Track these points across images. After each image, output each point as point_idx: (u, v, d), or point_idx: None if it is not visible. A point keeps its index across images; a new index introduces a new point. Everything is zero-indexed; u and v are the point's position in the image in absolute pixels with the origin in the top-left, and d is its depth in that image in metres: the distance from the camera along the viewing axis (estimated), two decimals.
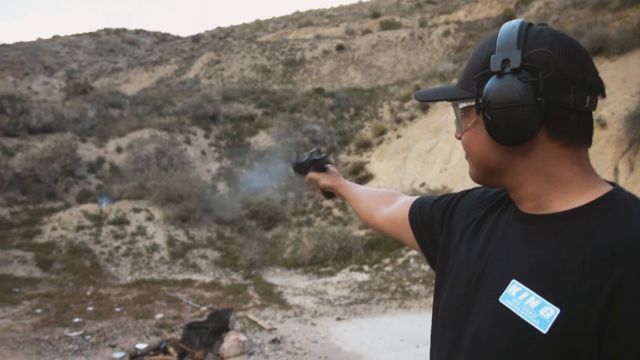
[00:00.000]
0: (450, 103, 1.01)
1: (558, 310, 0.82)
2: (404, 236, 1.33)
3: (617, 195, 0.89)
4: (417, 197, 1.36)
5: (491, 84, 0.88)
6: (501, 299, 0.90)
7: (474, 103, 0.93)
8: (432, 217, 1.22)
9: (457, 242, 1.10)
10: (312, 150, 1.65)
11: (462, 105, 0.96)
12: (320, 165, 1.62)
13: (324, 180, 1.63)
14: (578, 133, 0.90)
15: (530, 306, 0.85)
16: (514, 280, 0.90)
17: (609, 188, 0.91)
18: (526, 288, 0.88)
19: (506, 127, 0.88)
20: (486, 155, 0.95)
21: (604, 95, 0.92)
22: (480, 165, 0.97)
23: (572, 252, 0.84)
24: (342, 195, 1.61)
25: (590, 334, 0.79)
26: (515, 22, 0.92)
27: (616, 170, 9.07)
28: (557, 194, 0.91)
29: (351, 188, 1.59)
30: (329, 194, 1.65)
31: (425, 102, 1.03)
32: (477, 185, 1.12)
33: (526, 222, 0.94)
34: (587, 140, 0.92)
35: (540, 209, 0.93)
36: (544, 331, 0.82)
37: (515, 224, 0.97)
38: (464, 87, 0.96)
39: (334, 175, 1.64)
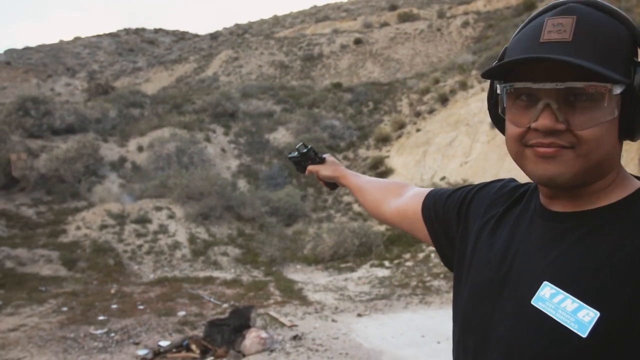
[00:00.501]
0: (612, 93, 0.82)
1: (598, 314, 0.78)
2: (416, 230, 1.27)
3: None
4: (428, 189, 1.30)
5: None
6: (533, 302, 0.86)
7: (620, 90, 0.81)
8: (448, 212, 1.16)
9: (474, 239, 1.05)
10: (298, 145, 1.64)
11: (617, 91, 0.81)
12: (313, 158, 1.61)
13: (323, 171, 1.59)
14: None
15: (567, 309, 0.82)
16: (546, 282, 0.86)
17: (638, 183, 0.88)
18: (561, 290, 0.84)
19: None
20: (613, 151, 0.86)
21: None
22: (597, 162, 0.85)
23: (608, 252, 0.81)
24: (345, 185, 1.55)
25: (638, 332, 0.76)
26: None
27: None
28: (609, 187, 0.88)
29: (354, 178, 1.53)
30: (332, 184, 1.63)
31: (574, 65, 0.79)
32: (533, 180, 1.05)
33: (556, 220, 0.90)
34: None
35: (578, 205, 0.89)
36: (584, 335, 0.79)
37: (541, 222, 0.93)
38: (612, 68, 0.81)
39: (333, 165, 1.60)
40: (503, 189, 1.09)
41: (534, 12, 0.94)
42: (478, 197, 1.12)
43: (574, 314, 0.81)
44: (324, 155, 1.62)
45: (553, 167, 0.85)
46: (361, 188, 1.48)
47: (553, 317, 0.83)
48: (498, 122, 0.98)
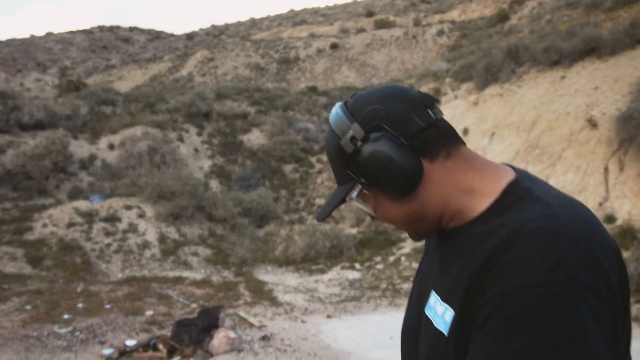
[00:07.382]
0: (354, 198, 1.01)
1: (453, 313, 0.88)
2: None
3: (511, 195, 0.92)
4: None
5: (359, 161, 0.94)
6: (426, 310, 1.00)
7: (361, 187, 0.98)
8: None
9: (426, 255, 1.18)
10: None
11: (355, 194, 0.99)
12: None
13: None
14: (446, 140, 0.95)
15: (439, 313, 0.94)
16: (432, 292, 0.99)
17: (505, 183, 0.94)
18: (437, 297, 0.96)
19: (401, 181, 0.92)
20: (404, 214, 0.98)
21: (437, 100, 0.98)
22: (408, 224, 1.00)
23: (467, 258, 0.90)
24: None
25: (474, 327, 0.84)
26: (335, 108, 0.99)
27: (607, 170, 9.12)
28: (468, 203, 0.95)
29: None
30: None
31: (327, 217, 1.06)
32: None
33: (444, 236, 1.01)
34: (457, 140, 0.97)
35: (458, 222, 0.97)
36: (447, 334, 0.90)
37: (440, 239, 1.04)
38: (345, 182, 1.00)
39: None
40: None
41: None
42: None
43: (442, 316, 0.92)
44: None
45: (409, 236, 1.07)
46: None
47: (433, 321, 0.96)
48: None
